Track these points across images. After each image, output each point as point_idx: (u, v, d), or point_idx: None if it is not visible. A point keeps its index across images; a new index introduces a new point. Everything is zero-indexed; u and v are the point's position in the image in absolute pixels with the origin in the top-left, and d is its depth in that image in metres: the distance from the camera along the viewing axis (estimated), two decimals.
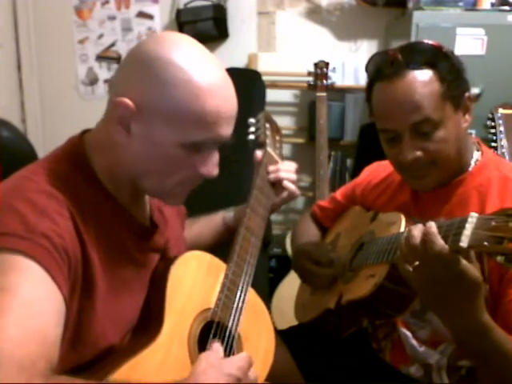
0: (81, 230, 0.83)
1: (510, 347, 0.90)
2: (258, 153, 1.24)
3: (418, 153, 1.05)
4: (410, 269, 0.88)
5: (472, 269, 0.84)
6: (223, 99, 0.85)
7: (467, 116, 1.09)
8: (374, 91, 1.10)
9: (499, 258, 0.77)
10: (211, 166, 0.90)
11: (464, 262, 0.83)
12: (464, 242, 0.81)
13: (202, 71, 0.83)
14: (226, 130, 0.88)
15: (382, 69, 1.07)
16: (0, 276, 0.73)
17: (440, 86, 1.03)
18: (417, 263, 0.87)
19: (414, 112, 1.03)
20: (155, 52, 0.83)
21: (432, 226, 0.85)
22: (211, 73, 0.85)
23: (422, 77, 1.03)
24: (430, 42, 1.08)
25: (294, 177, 1.21)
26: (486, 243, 0.78)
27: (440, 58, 1.05)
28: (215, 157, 0.91)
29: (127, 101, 0.83)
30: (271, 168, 1.21)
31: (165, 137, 0.84)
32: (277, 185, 1.21)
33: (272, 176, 1.20)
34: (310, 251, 1.30)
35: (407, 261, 0.89)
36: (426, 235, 0.85)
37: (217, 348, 0.88)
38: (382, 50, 1.12)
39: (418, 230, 0.87)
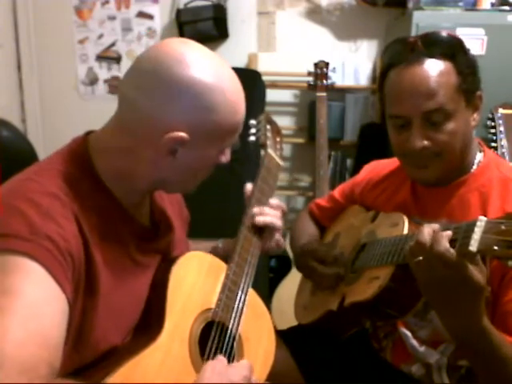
0: (84, 231, 0.83)
1: (506, 351, 0.90)
2: (249, 186, 1.19)
3: (426, 142, 1.05)
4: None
5: (476, 274, 0.84)
6: (244, 101, 0.92)
7: (476, 115, 1.09)
8: (390, 76, 1.09)
9: (511, 263, 0.77)
10: (228, 154, 0.97)
11: (470, 266, 0.83)
12: (473, 247, 0.80)
13: (230, 85, 0.88)
14: None
15: (401, 54, 1.06)
16: (4, 278, 0.72)
17: (457, 78, 1.03)
18: (420, 258, 0.87)
19: (428, 99, 1.02)
20: (187, 78, 0.83)
21: (442, 232, 0.86)
22: (234, 82, 0.90)
23: (441, 66, 1.03)
24: (450, 33, 1.09)
25: (279, 224, 1.15)
26: (495, 247, 0.77)
27: (459, 51, 1.06)
28: (229, 154, 0.98)
29: (182, 134, 0.85)
30: (256, 210, 1.14)
31: (209, 153, 0.91)
32: (264, 230, 1.14)
33: (260, 219, 1.12)
34: (314, 250, 1.29)
35: (412, 255, 0.89)
36: (434, 234, 0.85)
37: (221, 358, 0.89)
38: (400, 38, 1.12)
39: (429, 228, 0.87)
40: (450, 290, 0.86)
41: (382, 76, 1.12)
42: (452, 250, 0.83)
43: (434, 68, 1.03)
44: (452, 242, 0.85)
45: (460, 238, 0.84)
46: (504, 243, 0.76)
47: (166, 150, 0.86)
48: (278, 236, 1.16)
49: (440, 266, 0.85)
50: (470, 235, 0.81)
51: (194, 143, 0.86)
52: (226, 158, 0.96)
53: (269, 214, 1.13)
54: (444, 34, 1.09)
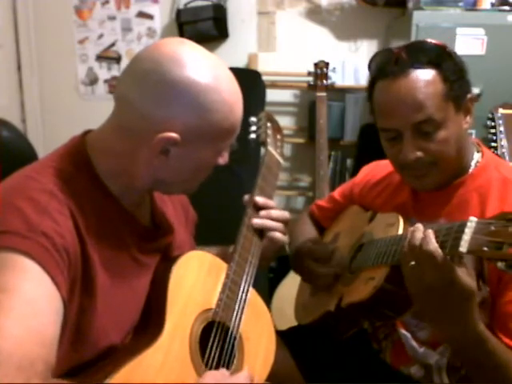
0: (81, 229, 0.83)
1: (503, 358, 0.90)
2: (246, 197, 1.14)
3: (419, 153, 1.05)
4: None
5: (465, 277, 0.84)
6: (241, 103, 0.91)
7: (468, 117, 1.09)
8: (377, 89, 1.09)
9: (499, 264, 0.76)
10: (226, 156, 0.97)
11: (457, 269, 0.83)
12: (463, 247, 0.80)
13: (227, 86, 0.88)
14: None
15: (386, 67, 1.06)
16: (0, 275, 0.73)
17: (443, 86, 1.03)
18: (413, 263, 0.87)
19: (416, 111, 1.02)
20: (183, 78, 0.83)
21: (430, 231, 0.87)
22: (231, 83, 0.89)
23: (426, 76, 1.03)
24: (434, 41, 1.08)
25: (280, 226, 1.10)
26: (485, 248, 0.77)
27: (444, 58, 1.05)
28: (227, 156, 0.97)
29: (172, 135, 0.84)
30: (263, 213, 1.11)
31: (204, 154, 0.90)
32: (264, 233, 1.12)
33: (258, 222, 1.10)
34: (310, 249, 1.29)
35: (406, 261, 0.89)
36: (424, 236, 0.86)
37: (223, 370, 0.89)
38: (385, 48, 1.12)
39: (419, 231, 0.88)
40: (441, 296, 0.86)
41: (369, 87, 1.12)
42: (440, 250, 0.83)
43: (419, 79, 1.03)
44: (443, 242, 0.85)
45: (450, 239, 0.84)
46: (493, 244, 0.76)
47: (159, 149, 0.86)
48: (272, 234, 1.10)
49: (429, 267, 0.85)
50: (461, 236, 0.81)
51: (187, 144, 0.86)
52: (223, 159, 0.96)
53: (264, 217, 1.10)
54: (428, 42, 1.08)
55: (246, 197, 1.13)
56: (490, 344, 0.89)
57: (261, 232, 1.11)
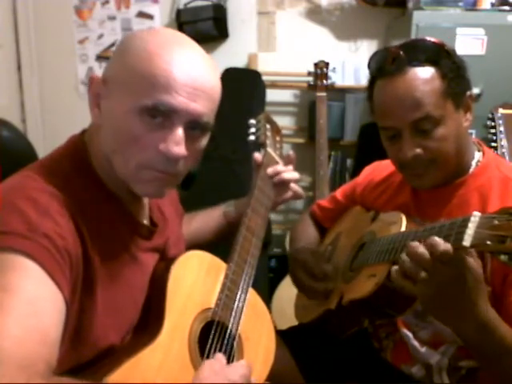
0: (82, 229, 0.83)
1: None
2: (257, 155, 1.24)
3: (418, 150, 1.05)
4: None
5: (475, 264, 0.84)
6: (180, 66, 0.82)
7: (468, 115, 1.09)
8: (376, 88, 1.10)
9: (503, 257, 0.77)
10: (171, 143, 0.83)
11: (468, 258, 0.83)
12: (467, 241, 0.80)
13: (165, 44, 0.84)
14: (184, 101, 0.82)
15: (384, 66, 1.07)
16: (1, 275, 0.72)
17: (441, 83, 1.03)
18: (423, 274, 0.85)
19: (414, 109, 1.02)
20: (132, 36, 0.87)
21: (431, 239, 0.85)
22: (175, 47, 0.84)
23: (424, 74, 1.03)
24: (432, 39, 1.08)
25: (297, 176, 1.24)
26: (488, 242, 0.78)
27: (442, 56, 1.05)
28: (176, 134, 0.84)
29: (95, 76, 0.86)
30: (272, 170, 1.22)
31: (121, 106, 0.83)
32: (280, 185, 1.21)
33: (276, 178, 1.21)
34: (305, 260, 1.26)
35: (409, 275, 0.86)
36: (426, 242, 0.85)
37: (220, 357, 0.89)
38: (384, 47, 1.12)
39: (421, 246, 0.85)
40: (454, 290, 0.85)
41: (369, 86, 1.12)
42: (449, 245, 0.82)
43: (416, 77, 1.03)
44: (446, 237, 0.85)
45: (454, 233, 0.84)
46: (496, 238, 0.76)
47: (91, 97, 0.88)
48: (294, 186, 1.23)
49: (441, 266, 0.83)
50: (464, 230, 0.81)
51: (109, 92, 0.86)
52: (166, 146, 0.83)
53: (283, 171, 1.22)
54: (426, 40, 1.08)
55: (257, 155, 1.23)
56: (501, 329, 0.88)
57: (260, 231, 1.11)
